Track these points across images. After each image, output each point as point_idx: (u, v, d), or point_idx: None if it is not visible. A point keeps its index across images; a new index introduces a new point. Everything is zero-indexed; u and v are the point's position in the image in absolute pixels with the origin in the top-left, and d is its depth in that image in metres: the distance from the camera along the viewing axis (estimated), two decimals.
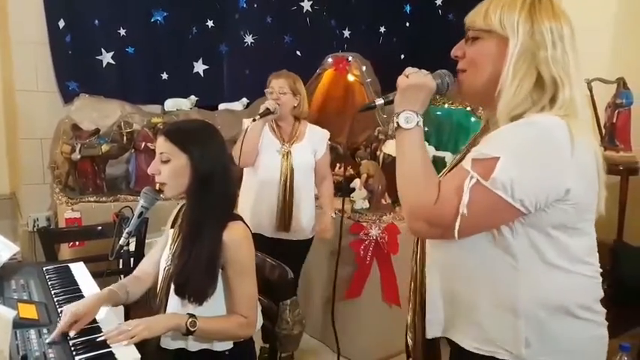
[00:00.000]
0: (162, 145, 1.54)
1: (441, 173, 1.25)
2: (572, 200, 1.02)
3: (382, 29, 4.50)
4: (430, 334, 1.22)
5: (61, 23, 3.47)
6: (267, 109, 2.56)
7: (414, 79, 1.14)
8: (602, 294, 1.14)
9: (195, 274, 1.49)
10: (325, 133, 2.77)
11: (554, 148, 1.00)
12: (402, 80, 1.15)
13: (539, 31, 1.08)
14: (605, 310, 1.14)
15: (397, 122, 1.12)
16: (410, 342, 1.31)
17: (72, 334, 1.40)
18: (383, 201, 3.07)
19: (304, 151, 2.67)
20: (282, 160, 2.62)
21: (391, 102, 1.18)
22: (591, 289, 1.11)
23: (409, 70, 1.16)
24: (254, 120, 2.54)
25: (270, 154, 2.64)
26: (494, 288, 1.09)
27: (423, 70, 1.17)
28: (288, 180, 2.61)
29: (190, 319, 1.47)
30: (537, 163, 0.99)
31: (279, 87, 2.62)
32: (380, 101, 1.21)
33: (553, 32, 1.08)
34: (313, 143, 2.70)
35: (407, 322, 1.31)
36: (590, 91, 3.33)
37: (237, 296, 1.54)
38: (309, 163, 2.69)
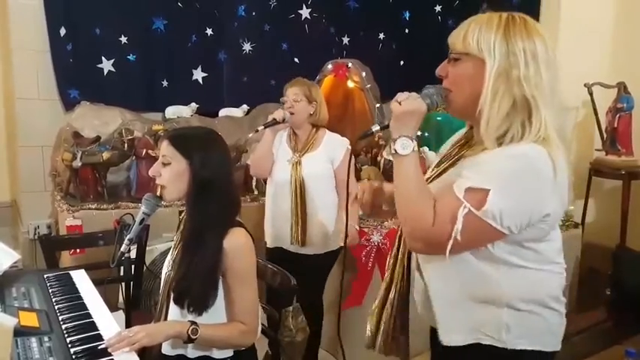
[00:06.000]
0: (165, 148, 1.56)
1: (430, 169, 1.35)
2: (548, 221, 1.15)
3: (381, 36, 4.50)
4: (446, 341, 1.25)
5: (62, 31, 3.48)
6: (274, 119, 2.53)
7: (407, 106, 1.19)
8: (564, 284, 1.28)
9: (195, 283, 1.48)
10: (344, 141, 2.62)
11: (538, 179, 1.10)
12: (395, 107, 1.20)
13: (513, 51, 1.13)
14: (565, 300, 1.28)
15: (395, 149, 1.18)
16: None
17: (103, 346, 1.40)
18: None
19: (318, 160, 2.56)
20: (291, 171, 2.56)
21: (387, 127, 1.23)
22: (558, 282, 1.25)
23: (400, 96, 1.20)
24: (256, 131, 2.51)
25: (282, 164, 2.60)
26: (477, 288, 1.20)
27: (413, 94, 1.21)
28: (299, 191, 2.53)
29: (192, 327, 1.47)
30: (523, 193, 1.10)
31: (294, 95, 2.56)
32: (376, 127, 1.27)
33: (526, 52, 1.14)
34: (329, 151, 2.58)
35: (381, 320, 1.39)
36: (591, 95, 3.34)
37: (238, 304, 1.53)
38: (323, 172, 2.58)
